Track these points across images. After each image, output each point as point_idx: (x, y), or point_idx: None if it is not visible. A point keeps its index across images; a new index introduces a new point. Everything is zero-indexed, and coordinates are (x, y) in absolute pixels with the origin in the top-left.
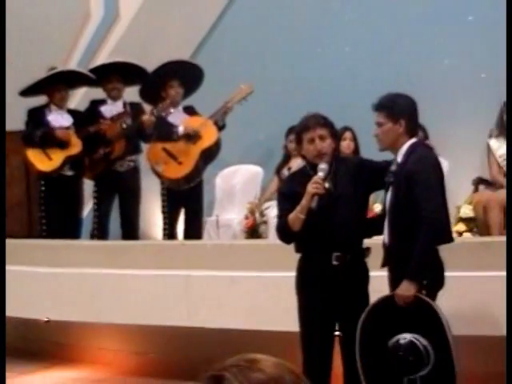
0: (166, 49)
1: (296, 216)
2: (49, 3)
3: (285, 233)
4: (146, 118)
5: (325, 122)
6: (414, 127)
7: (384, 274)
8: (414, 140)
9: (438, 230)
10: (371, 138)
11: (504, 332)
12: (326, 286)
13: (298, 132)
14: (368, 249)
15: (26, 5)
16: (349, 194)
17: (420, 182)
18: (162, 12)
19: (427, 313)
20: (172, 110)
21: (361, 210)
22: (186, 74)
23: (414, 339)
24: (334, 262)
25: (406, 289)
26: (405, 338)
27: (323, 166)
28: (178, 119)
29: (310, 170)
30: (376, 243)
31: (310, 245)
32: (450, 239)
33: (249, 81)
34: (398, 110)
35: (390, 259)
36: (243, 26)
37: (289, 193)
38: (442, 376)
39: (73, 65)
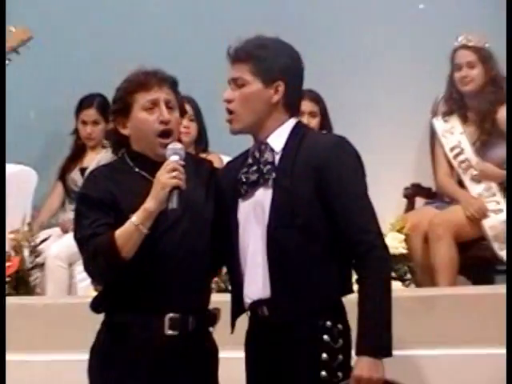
0: None
1: (133, 229)
2: None
3: (107, 261)
4: None
5: (173, 83)
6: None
7: (237, 354)
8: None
9: (390, 263)
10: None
11: None
12: (151, 374)
13: (127, 92)
14: (218, 311)
15: None
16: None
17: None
18: None
19: None
20: None
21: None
22: None
23: None
24: (169, 331)
25: (371, 369)
26: None
27: (178, 146)
28: None
29: (132, 162)
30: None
31: (130, 298)
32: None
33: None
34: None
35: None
36: None
37: (102, 197)
38: None
39: None
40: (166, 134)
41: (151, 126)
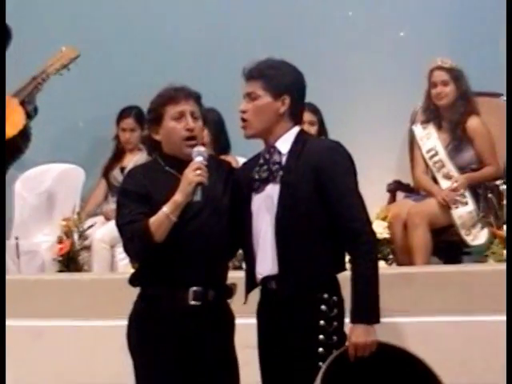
0: None
1: (164, 217)
2: None
3: (142, 243)
4: None
5: (197, 97)
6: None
7: (251, 321)
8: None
9: (376, 246)
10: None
11: None
12: (178, 338)
13: (160, 104)
14: (234, 285)
15: None
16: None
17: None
18: None
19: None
20: None
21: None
22: None
23: None
24: (192, 302)
25: (366, 334)
26: None
27: (202, 149)
28: None
29: (164, 162)
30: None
31: (161, 274)
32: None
33: (70, 43)
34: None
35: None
36: None
37: (139, 191)
38: None
39: None
40: (190, 139)
41: (179, 133)
